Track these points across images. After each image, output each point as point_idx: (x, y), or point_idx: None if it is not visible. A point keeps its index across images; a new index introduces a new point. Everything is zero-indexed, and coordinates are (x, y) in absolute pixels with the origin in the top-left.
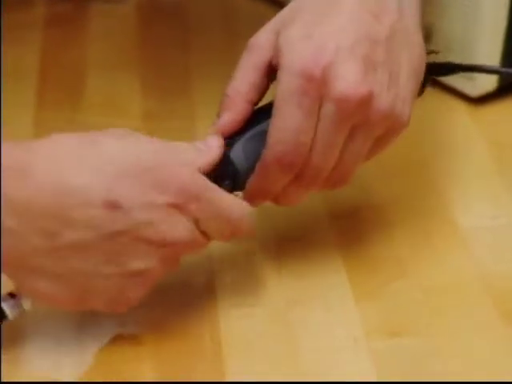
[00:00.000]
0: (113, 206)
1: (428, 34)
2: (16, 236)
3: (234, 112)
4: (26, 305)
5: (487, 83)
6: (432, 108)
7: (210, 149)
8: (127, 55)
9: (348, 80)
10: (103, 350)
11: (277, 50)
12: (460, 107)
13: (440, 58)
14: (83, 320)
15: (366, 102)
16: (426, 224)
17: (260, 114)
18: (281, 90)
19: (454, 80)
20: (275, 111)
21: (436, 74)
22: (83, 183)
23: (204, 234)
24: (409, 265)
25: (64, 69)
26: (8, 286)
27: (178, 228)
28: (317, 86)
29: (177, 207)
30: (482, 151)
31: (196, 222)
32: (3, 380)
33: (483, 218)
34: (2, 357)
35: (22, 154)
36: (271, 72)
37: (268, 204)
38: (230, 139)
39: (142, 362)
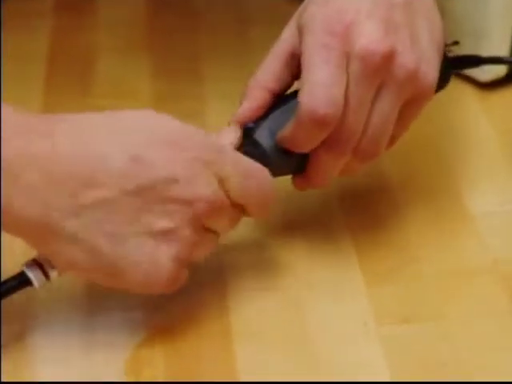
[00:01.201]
0: (135, 160)
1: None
2: (38, 193)
3: (251, 99)
4: (53, 273)
5: (497, 68)
6: (441, 93)
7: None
8: (137, 40)
9: (370, 37)
10: (112, 338)
11: (300, 29)
12: (469, 92)
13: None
14: (91, 311)
15: (389, 57)
16: (436, 209)
17: (283, 100)
18: (306, 49)
19: (460, 51)
20: (304, 68)
21: (460, 67)
22: (106, 142)
23: (230, 199)
24: (419, 250)
25: (73, 55)
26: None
27: (202, 184)
28: (340, 41)
29: (200, 162)
30: (491, 136)
31: (220, 182)
32: (3, 380)
33: (493, 203)
34: (4, 356)
35: (47, 117)
36: (294, 64)
37: (279, 188)
38: (254, 123)
39: (153, 347)
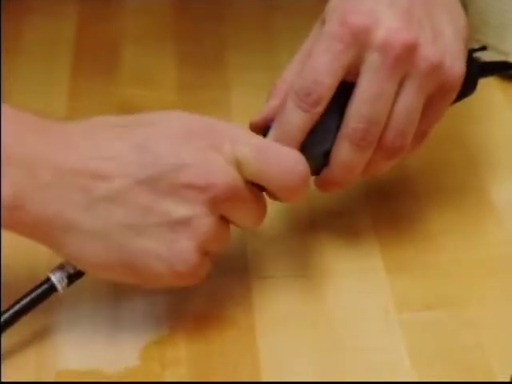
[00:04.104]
0: (144, 150)
1: (463, 8)
2: (52, 190)
3: (276, 97)
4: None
5: None
6: None
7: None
8: (162, 28)
9: (390, 28)
10: (137, 323)
11: (322, 22)
12: (493, 83)
13: (475, 34)
14: (116, 297)
15: (410, 49)
16: (458, 198)
17: None
18: (319, 37)
19: (488, 56)
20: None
21: (488, 73)
22: (115, 136)
23: (255, 185)
24: (441, 238)
25: (99, 42)
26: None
27: (215, 169)
28: (352, 33)
29: (211, 148)
30: None
31: (237, 166)
32: (3, 380)
33: None
34: (29, 342)
35: (58, 121)
36: None
37: None
38: None
39: (175, 330)
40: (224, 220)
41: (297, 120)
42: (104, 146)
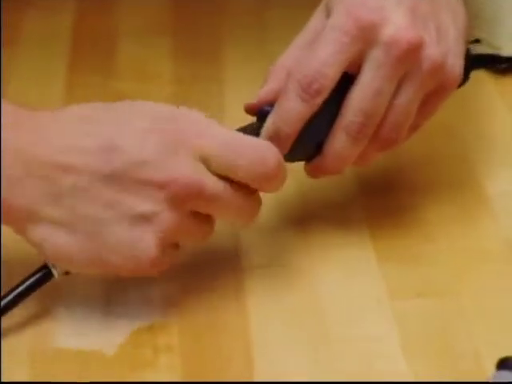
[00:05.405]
0: (107, 147)
1: None
2: (24, 184)
3: (273, 81)
4: None
5: None
6: None
7: None
8: (159, 22)
9: (398, 25)
10: (129, 310)
11: (327, 13)
12: (486, 76)
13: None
14: (109, 285)
15: (416, 47)
16: (451, 188)
17: None
18: (325, 28)
19: (481, 49)
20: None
21: (480, 65)
22: (80, 133)
23: (226, 179)
24: (433, 228)
25: (97, 35)
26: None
27: (176, 166)
28: (359, 27)
29: (174, 145)
30: (507, 119)
31: (205, 162)
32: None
33: (509, 183)
34: (27, 329)
35: (36, 113)
36: None
37: (293, 166)
38: (271, 107)
39: (168, 317)
40: (198, 215)
41: (297, 109)
42: (73, 140)
